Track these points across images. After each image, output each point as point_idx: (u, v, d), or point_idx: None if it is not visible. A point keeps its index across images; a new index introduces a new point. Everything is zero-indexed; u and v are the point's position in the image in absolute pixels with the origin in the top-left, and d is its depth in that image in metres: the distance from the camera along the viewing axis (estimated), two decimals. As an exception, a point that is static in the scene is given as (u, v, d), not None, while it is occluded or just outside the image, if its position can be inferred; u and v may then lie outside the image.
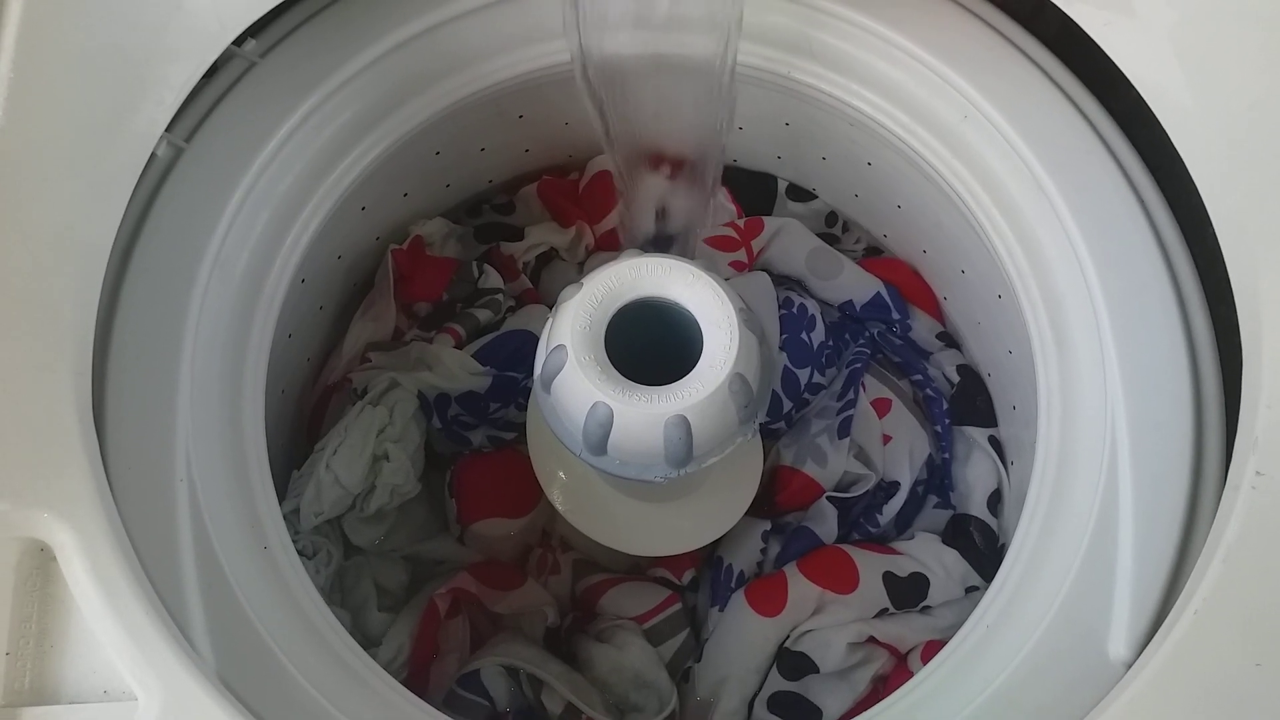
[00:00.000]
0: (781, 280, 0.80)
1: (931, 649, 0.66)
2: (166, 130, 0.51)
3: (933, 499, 0.74)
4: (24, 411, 0.44)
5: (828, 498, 0.71)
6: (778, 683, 0.66)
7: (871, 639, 0.66)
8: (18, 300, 0.45)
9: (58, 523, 0.42)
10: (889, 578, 0.68)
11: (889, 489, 0.72)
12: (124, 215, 0.49)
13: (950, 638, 0.52)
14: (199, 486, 0.49)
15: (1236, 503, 0.43)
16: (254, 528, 0.51)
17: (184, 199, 0.54)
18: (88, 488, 0.43)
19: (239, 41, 0.55)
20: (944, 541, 0.70)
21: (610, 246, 0.80)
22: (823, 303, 0.79)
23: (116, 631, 0.42)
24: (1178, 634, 0.42)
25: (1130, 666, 0.45)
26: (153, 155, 0.50)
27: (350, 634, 0.51)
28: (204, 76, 0.52)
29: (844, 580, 0.68)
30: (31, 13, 0.46)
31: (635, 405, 0.49)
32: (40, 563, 0.43)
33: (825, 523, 0.71)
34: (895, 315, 0.78)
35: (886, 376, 0.77)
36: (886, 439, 0.73)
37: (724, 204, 0.81)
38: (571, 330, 0.51)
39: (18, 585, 0.43)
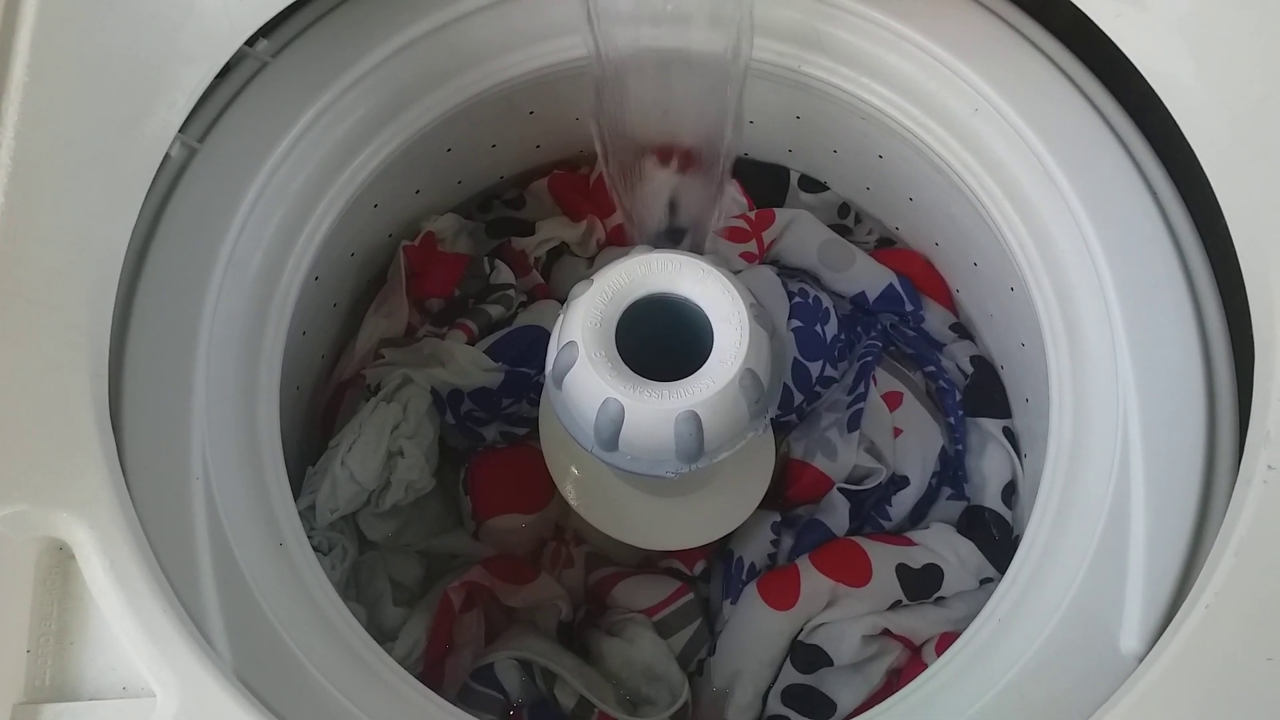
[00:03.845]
0: (794, 273, 0.80)
1: (946, 641, 0.65)
2: (180, 131, 0.51)
3: (946, 491, 0.74)
4: (42, 412, 0.44)
5: (839, 489, 0.71)
6: (791, 675, 0.67)
7: (886, 631, 0.66)
8: (34, 301, 0.45)
9: (76, 522, 0.43)
10: (902, 569, 0.68)
11: (900, 483, 0.72)
12: (138, 216, 0.49)
13: (965, 630, 0.52)
14: (215, 484, 0.50)
15: (1248, 496, 0.43)
16: (270, 524, 0.51)
17: (198, 199, 0.55)
18: (105, 487, 0.44)
19: (251, 42, 0.55)
20: (959, 533, 0.70)
21: (621, 240, 0.80)
22: (835, 295, 0.79)
23: (135, 629, 0.42)
24: (1189, 628, 0.42)
25: (1142, 660, 0.45)
26: (166, 156, 0.50)
27: (366, 629, 0.51)
28: (217, 77, 0.53)
29: (857, 573, 0.68)
30: (45, 17, 0.47)
31: (646, 401, 0.50)
32: (59, 561, 0.44)
33: (836, 515, 0.71)
34: (908, 307, 0.78)
35: (899, 369, 0.77)
36: (897, 432, 0.73)
37: (735, 197, 0.80)
38: (582, 327, 0.51)
39: (38, 583, 0.44)
